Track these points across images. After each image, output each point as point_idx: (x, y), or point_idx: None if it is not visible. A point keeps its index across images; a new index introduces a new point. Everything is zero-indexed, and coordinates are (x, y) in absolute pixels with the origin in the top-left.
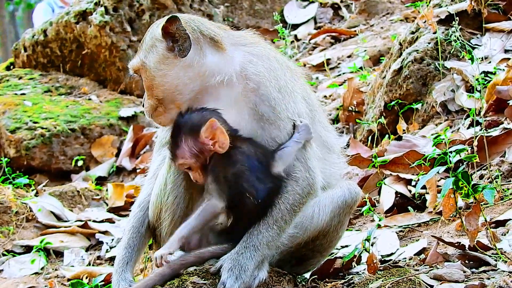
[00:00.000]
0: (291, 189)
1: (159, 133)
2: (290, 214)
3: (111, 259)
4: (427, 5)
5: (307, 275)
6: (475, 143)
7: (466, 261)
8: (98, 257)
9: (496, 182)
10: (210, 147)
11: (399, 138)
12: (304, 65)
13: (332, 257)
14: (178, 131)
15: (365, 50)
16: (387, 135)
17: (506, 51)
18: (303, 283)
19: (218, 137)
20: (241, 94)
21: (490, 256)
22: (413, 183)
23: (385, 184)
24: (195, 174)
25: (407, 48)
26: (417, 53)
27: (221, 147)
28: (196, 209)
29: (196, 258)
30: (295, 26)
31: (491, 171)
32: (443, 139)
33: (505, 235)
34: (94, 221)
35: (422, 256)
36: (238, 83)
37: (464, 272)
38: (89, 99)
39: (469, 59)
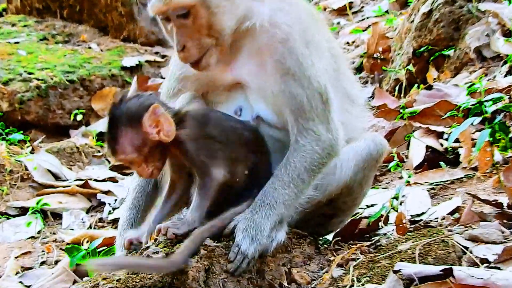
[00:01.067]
0: (310, 148)
1: (166, 83)
2: (308, 174)
3: (114, 222)
4: None
5: (329, 237)
6: None
7: (504, 221)
8: (100, 220)
9: None
10: (154, 137)
11: (430, 88)
12: (324, 9)
13: (357, 217)
14: (115, 123)
15: None
16: (416, 85)
17: None
18: (325, 245)
19: (162, 124)
20: (266, 44)
21: None
22: (445, 136)
23: (414, 137)
24: (140, 169)
25: None
26: None
27: (166, 136)
28: (197, 189)
29: (221, 222)
30: None
31: None
32: (478, 87)
33: None
34: (95, 180)
35: (456, 215)
36: (265, 32)
37: (502, 232)
38: (89, 48)
39: (506, 0)
